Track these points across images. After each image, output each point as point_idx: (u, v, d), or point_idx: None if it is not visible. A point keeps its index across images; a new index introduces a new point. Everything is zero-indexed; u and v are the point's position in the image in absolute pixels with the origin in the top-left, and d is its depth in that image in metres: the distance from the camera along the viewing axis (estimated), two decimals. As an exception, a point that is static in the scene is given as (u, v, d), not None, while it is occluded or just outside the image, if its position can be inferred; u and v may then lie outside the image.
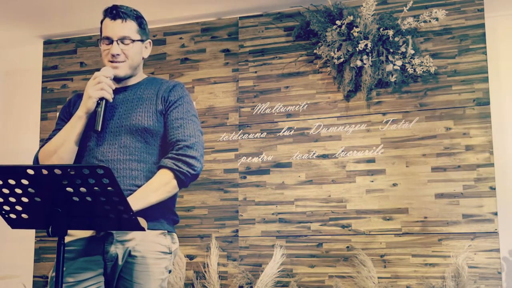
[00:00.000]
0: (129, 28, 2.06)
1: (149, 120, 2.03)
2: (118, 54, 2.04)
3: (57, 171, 1.53)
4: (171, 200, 2.07)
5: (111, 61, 2.06)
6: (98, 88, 1.97)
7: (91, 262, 1.94)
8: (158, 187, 1.93)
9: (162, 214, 2.02)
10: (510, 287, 3.55)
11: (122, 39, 2.04)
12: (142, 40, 2.10)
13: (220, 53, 4.11)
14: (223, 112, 4.02)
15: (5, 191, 1.62)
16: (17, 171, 1.57)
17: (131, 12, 2.08)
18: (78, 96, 2.20)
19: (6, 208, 1.69)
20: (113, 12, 2.05)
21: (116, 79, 2.09)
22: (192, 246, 3.94)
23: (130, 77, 2.13)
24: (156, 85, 2.14)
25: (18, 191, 1.61)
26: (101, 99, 1.98)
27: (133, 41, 2.06)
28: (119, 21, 2.04)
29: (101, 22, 2.10)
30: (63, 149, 2.00)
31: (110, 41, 2.05)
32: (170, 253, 2.03)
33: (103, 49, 2.08)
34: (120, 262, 1.93)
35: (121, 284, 1.95)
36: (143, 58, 2.15)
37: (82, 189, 1.56)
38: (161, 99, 2.08)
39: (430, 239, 3.49)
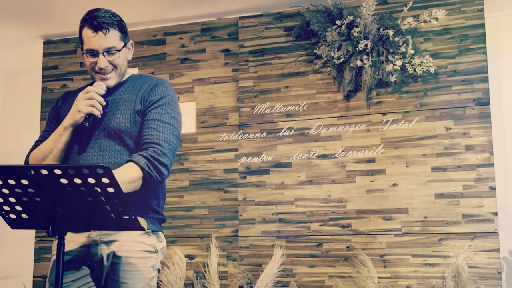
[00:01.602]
0: (112, 38, 2.01)
1: (126, 122, 2.01)
2: (106, 66, 2.02)
3: (57, 171, 1.53)
4: (155, 200, 2.07)
5: (100, 73, 2.04)
6: (88, 104, 1.97)
7: (80, 263, 1.96)
8: (124, 182, 1.81)
9: (144, 214, 2.00)
10: (510, 287, 3.55)
11: (107, 51, 2.01)
12: (125, 45, 2.07)
13: (220, 53, 4.11)
14: (223, 112, 4.02)
15: (5, 191, 1.62)
16: (17, 171, 1.57)
17: (111, 19, 2.01)
18: (65, 97, 2.19)
19: (6, 208, 1.68)
20: (94, 24, 1.98)
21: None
22: (192, 246, 3.94)
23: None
24: (138, 84, 2.11)
25: (18, 191, 1.61)
26: (90, 115, 1.98)
27: (119, 50, 2.03)
28: (101, 33, 1.98)
29: (80, 29, 2.04)
30: (51, 157, 2.03)
31: (94, 53, 2.01)
32: (156, 251, 2.03)
33: (89, 62, 2.03)
34: (105, 263, 1.95)
35: (110, 284, 1.97)
36: (128, 61, 2.13)
37: (82, 189, 1.56)
38: (140, 99, 2.05)
39: (430, 239, 3.49)
